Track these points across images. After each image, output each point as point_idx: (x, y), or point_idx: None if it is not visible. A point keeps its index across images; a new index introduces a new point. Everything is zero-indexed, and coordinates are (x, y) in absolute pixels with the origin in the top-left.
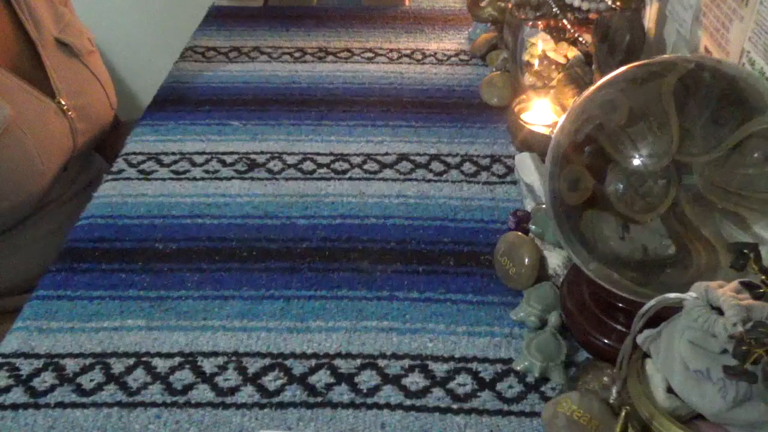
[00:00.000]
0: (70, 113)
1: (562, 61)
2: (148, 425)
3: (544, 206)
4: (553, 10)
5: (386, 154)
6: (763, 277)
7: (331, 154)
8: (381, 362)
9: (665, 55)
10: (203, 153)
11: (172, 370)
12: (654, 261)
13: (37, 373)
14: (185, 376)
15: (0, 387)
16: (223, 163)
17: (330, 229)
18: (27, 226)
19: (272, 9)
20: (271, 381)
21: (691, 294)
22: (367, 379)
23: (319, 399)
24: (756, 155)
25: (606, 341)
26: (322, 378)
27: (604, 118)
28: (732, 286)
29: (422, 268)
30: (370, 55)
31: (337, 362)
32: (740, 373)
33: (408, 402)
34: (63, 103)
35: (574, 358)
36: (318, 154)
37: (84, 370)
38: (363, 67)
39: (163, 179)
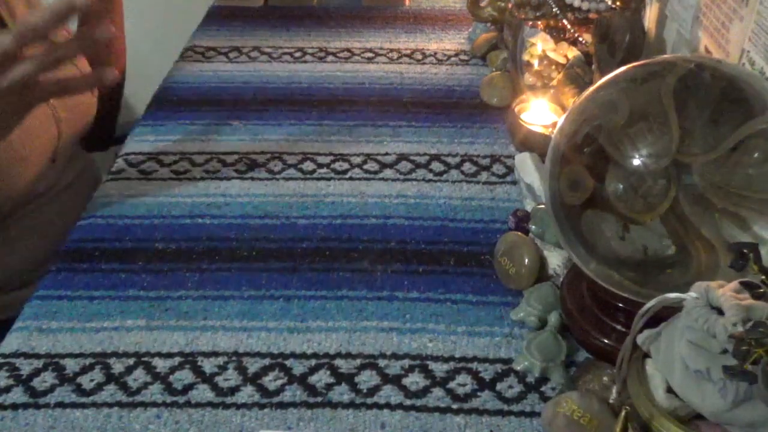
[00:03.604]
0: (51, 101)
1: (562, 61)
2: (148, 425)
3: (544, 206)
4: (553, 10)
5: (386, 154)
6: (763, 277)
7: (331, 154)
8: (381, 362)
9: (665, 55)
10: (203, 153)
11: (172, 370)
12: (654, 261)
13: (37, 373)
14: (185, 376)
15: (0, 387)
16: (223, 163)
17: (330, 229)
18: (16, 220)
19: (272, 9)
20: (271, 381)
21: (691, 294)
22: (367, 379)
23: (319, 399)
24: (756, 155)
25: (606, 341)
26: (322, 378)
27: (604, 118)
28: (732, 286)
29: (422, 268)
30: (370, 55)
31: (337, 362)
32: (740, 373)
33: (408, 402)
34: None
35: (574, 358)
36: (318, 154)
37: (84, 370)
38: (363, 67)
39: (163, 179)
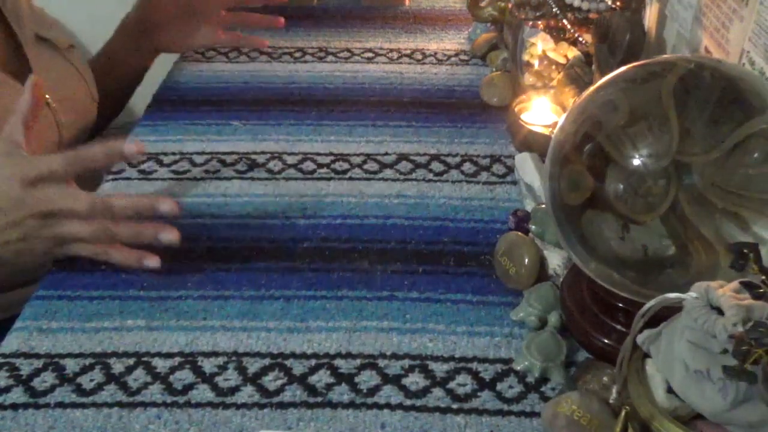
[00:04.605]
0: (53, 105)
1: (562, 61)
2: (148, 425)
3: (544, 206)
4: (553, 10)
5: (386, 154)
6: (763, 277)
7: (331, 154)
8: (381, 362)
9: (665, 55)
10: (203, 153)
11: (172, 370)
12: (654, 261)
13: (37, 373)
14: (185, 376)
15: (0, 387)
16: (223, 163)
17: (330, 229)
18: None
19: (272, 9)
20: (271, 381)
21: (691, 294)
22: (367, 379)
23: (319, 399)
24: (756, 155)
25: (606, 341)
26: (322, 378)
27: (604, 118)
28: (732, 286)
29: (422, 268)
30: (370, 55)
31: (337, 362)
32: (740, 373)
33: (408, 402)
34: (47, 96)
35: (574, 358)
36: (318, 154)
37: (84, 370)
38: (363, 67)
39: (163, 179)
